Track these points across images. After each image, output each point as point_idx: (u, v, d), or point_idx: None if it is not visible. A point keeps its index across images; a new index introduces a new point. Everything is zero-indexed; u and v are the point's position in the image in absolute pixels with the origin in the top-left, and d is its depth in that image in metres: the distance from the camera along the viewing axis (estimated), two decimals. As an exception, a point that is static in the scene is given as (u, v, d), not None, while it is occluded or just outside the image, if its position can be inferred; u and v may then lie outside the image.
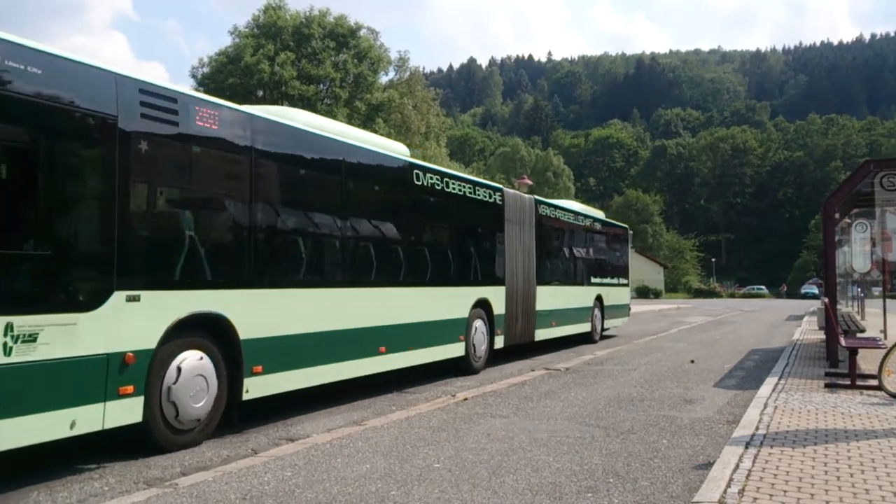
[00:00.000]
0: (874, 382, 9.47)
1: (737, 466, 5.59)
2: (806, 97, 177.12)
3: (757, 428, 7.09)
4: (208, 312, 7.03)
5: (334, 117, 41.50)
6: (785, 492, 4.93)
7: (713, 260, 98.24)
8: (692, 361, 14.28)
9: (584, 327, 18.37)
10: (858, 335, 13.01)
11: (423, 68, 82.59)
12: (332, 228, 9.16)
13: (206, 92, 25.75)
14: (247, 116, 7.79)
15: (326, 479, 5.65)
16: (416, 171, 11.08)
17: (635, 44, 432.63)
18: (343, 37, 45.53)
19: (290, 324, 8.16)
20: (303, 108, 41.69)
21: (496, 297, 13.29)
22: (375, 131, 43.01)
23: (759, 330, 25.19)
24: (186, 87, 8.51)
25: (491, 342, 13.12)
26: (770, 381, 10.44)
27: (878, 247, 15.01)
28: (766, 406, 8.35)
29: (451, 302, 11.87)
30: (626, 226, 24.87)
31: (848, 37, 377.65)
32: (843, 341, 10.31)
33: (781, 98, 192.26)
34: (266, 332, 7.72)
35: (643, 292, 75.45)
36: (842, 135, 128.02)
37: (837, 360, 11.85)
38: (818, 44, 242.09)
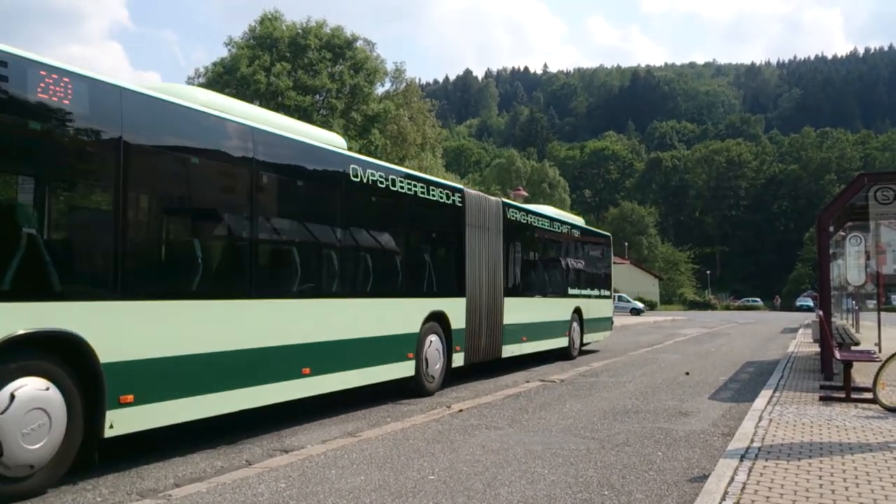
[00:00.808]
0: (869, 395, 9.48)
1: (732, 479, 5.58)
2: (800, 110, 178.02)
3: (752, 441, 7.09)
4: (53, 330, 5.63)
5: (330, 128, 41.56)
6: (780, 505, 4.93)
7: (708, 272, 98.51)
8: (687, 373, 14.28)
9: (561, 342, 17.04)
10: (853, 348, 13.05)
11: (419, 79, 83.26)
12: (236, 229, 7.82)
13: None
14: (115, 90, 6.35)
15: (321, 490, 5.63)
16: (353, 165, 9.63)
17: (631, 57, 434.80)
18: (339, 48, 45.77)
19: (174, 343, 6.70)
20: (299, 118, 41.91)
21: (455, 309, 11.91)
22: (371, 142, 43.17)
23: (753, 342, 25.21)
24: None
25: (448, 360, 11.73)
26: (765, 394, 10.44)
27: (873, 260, 15.08)
28: (760, 419, 8.34)
29: (398, 315, 10.51)
30: (608, 234, 23.37)
31: (842, 51, 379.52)
32: (837, 354, 10.33)
33: (776, 111, 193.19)
34: (139, 354, 6.30)
35: (638, 304, 75.54)
36: (836, 148, 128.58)
37: (832, 373, 11.86)
38: (812, 58, 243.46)
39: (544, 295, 16.39)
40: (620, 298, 62.01)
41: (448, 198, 12.11)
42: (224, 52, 47.13)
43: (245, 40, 45.38)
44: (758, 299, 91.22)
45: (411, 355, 10.68)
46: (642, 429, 8.43)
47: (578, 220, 20.13)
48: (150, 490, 5.74)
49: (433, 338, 11.30)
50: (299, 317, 8.50)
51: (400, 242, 10.90)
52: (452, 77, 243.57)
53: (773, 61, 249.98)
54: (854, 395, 9.79)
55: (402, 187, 10.76)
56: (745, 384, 12.79)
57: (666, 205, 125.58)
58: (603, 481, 6.00)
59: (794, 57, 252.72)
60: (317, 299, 8.89)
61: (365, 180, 9.82)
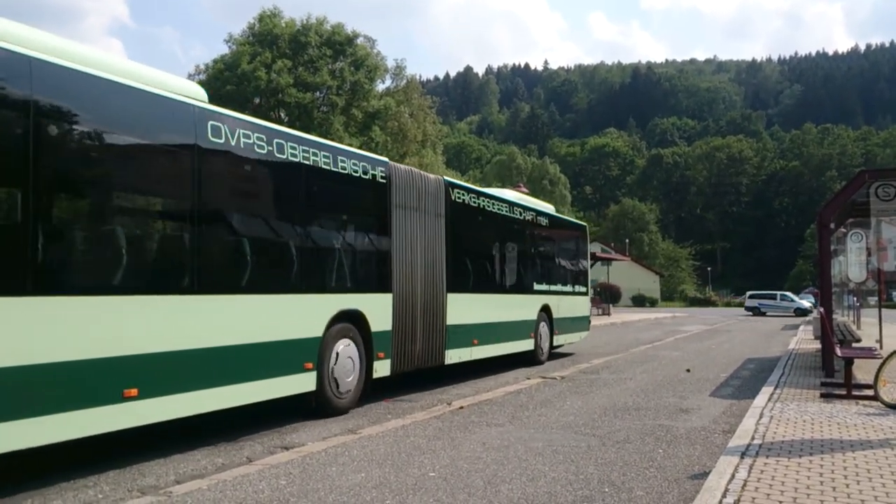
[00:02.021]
0: (870, 392, 9.48)
1: (732, 476, 5.58)
2: (801, 107, 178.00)
3: (752, 438, 7.09)
4: None
5: (331, 125, 41.66)
6: (780, 502, 4.92)
7: (709, 269, 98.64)
8: (688, 370, 14.28)
9: (524, 345, 14.84)
10: (854, 345, 13.04)
11: (420, 76, 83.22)
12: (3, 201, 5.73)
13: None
14: None
15: (321, 487, 5.63)
16: (213, 122, 7.34)
17: (631, 53, 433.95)
18: (340, 45, 45.74)
19: None
20: (299, 115, 42.11)
21: (376, 308, 9.83)
22: (372, 139, 43.12)
23: (754, 339, 25.22)
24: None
25: (367, 370, 9.63)
26: (766, 391, 10.44)
27: (874, 256, 15.06)
28: (761, 416, 8.34)
29: (288, 316, 8.32)
30: (584, 224, 20.89)
31: (843, 47, 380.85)
32: (838, 351, 10.32)
33: (777, 108, 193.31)
34: None
35: (639, 301, 75.70)
36: (837, 144, 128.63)
37: (833, 370, 11.86)
38: (814, 54, 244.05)
39: (503, 291, 14.34)
40: (783, 297, 55.93)
41: (366, 172, 9.85)
42: (224, 49, 47.14)
43: (245, 37, 45.38)
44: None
45: (310, 365, 8.52)
46: (643, 426, 8.43)
47: (548, 208, 18.02)
48: (151, 487, 5.74)
49: (345, 343, 9.16)
50: (117, 320, 6.22)
51: (292, 225, 8.60)
52: (453, 74, 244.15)
53: (775, 57, 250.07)
54: (855, 392, 9.79)
55: (294, 155, 8.49)
56: (746, 381, 12.79)
57: (667, 201, 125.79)
58: (603, 478, 6.00)
59: (796, 53, 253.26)
60: (151, 296, 6.60)
61: (234, 142, 7.56)
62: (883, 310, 17.26)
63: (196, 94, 7.59)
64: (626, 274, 70.25)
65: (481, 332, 12.78)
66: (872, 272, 15.63)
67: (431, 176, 11.76)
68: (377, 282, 10.11)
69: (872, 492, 5.19)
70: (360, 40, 47.07)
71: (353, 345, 9.31)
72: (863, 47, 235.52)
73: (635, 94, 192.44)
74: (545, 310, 15.97)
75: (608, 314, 44.35)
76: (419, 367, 10.98)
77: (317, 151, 8.92)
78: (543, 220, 16.60)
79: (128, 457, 6.53)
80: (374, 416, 9.05)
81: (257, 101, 42.73)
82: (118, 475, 6.06)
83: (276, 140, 8.24)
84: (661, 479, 6.04)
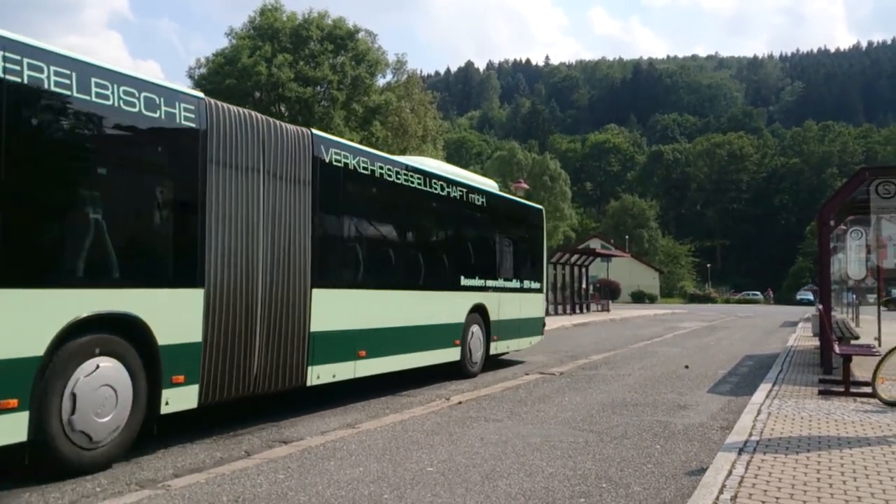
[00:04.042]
0: (868, 390, 9.48)
1: (730, 473, 5.59)
2: (802, 104, 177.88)
3: (750, 434, 7.10)
4: None
5: (331, 119, 41.62)
6: (777, 499, 4.93)
7: (708, 265, 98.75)
8: (686, 367, 14.29)
9: (446, 355, 11.83)
10: (853, 342, 13.06)
11: (421, 71, 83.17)
12: None
13: (204, 92, 25.49)
14: None
15: (319, 481, 5.64)
16: None
17: (633, 49, 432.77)
18: (341, 39, 45.69)
19: None
20: (300, 110, 42.06)
21: (170, 310, 6.63)
22: (372, 134, 43.11)
23: (753, 336, 25.23)
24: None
25: (151, 402, 6.46)
26: (764, 388, 10.44)
27: (874, 254, 15.06)
28: (759, 412, 8.35)
29: None
30: (538, 206, 16.97)
31: (845, 44, 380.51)
32: (837, 348, 10.33)
33: (778, 104, 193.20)
34: None
35: (638, 297, 75.79)
36: (838, 142, 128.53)
37: (831, 367, 11.87)
38: (815, 51, 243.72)
39: (411, 286, 11.02)
40: None
41: (152, 108, 6.54)
42: (225, 43, 47.04)
43: (246, 31, 45.33)
44: (758, 293, 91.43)
45: (13, 403, 5.26)
46: (641, 422, 8.44)
47: (489, 184, 14.47)
48: (150, 480, 5.75)
49: (99, 364, 5.93)
50: None
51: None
52: (454, 69, 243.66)
53: (776, 54, 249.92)
54: (853, 390, 9.80)
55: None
56: (745, 378, 12.80)
57: (667, 198, 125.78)
58: (601, 474, 6.01)
59: (797, 50, 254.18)
60: None
61: None
62: (882, 307, 17.25)
63: None
64: (626, 270, 70.37)
65: (372, 340, 9.79)
66: (872, 269, 15.63)
67: (291, 127, 8.43)
68: (174, 272, 6.85)
69: (869, 489, 5.20)
70: (361, 35, 47.05)
71: (117, 366, 6.12)
72: (864, 44, 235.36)
73: (636, 90, 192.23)
74: (479, 310, 12.96)
75: (607, 310, 44.35)
76: (262, 392, 7.81)
77: (41, 65, 5.54)
78: (478, 199, 13.17)
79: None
80: (373, 411, 9.06)
81: (258, 95, 42.68)
82: (116, 468, 6.05)
83: None
84: (658, 475, 6.05)
